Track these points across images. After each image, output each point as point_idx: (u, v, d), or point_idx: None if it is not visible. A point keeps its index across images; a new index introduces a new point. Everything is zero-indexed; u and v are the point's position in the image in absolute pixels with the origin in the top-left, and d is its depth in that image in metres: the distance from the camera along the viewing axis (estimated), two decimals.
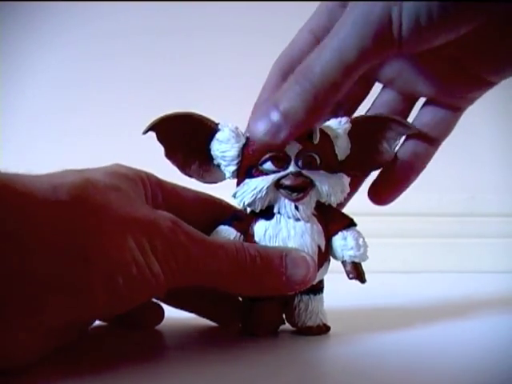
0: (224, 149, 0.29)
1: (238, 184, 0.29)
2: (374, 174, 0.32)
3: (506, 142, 0.62)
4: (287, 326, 0.31)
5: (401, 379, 0.24)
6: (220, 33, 0.63)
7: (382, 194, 0.31)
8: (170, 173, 0.30)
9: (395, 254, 0.59)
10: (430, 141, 0.30)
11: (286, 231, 0.28)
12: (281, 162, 0.28)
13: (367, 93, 0.32)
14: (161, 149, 0.30)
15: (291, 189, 0.28)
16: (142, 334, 0.31)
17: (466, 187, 0.62)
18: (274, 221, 0.29)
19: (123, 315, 0.30)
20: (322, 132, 0.29)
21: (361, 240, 0.29)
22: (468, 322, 0.34)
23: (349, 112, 0.32)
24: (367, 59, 0.24)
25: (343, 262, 0.29)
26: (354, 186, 0.32)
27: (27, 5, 0.62)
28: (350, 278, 0.29)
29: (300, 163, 0.28)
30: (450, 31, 0.24)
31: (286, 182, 0.28)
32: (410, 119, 0.32)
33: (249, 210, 0.29)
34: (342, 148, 0.30)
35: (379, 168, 0.31)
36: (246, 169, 0.29)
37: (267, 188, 0.28)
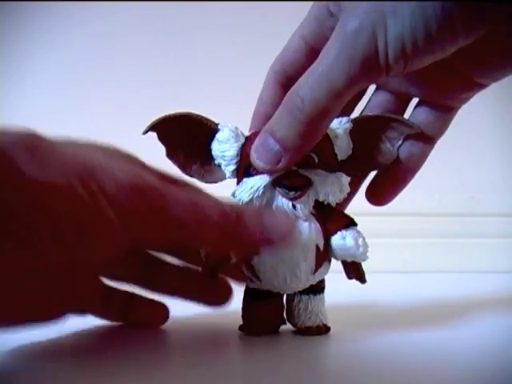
0: (224, 149, 0.29)
1: (238, 183, 0.29)
2: (372, 175, 0.32)
3: (506, 142, 0.62)
4: (288, 326, 0.31)
5: (401, 379, 0.24)
6: (220, 33, 0.63)
7: (379, 195, 0.32)
8: (170, 173, 0.30)
9: (395, 254, 0.59)
10: (425, 140, 0.30)
11: None
12: None
13: (363, 94, 0.32)
14: (162, 149, 0.30)
15: (288, 187, 0.28)
16: (143, 334, 0.31)
17: (466, 187, 0.62)
18: None
19: (128, 313, 0.30)
20: None
21: (360, 240, 0.29)
22: (468, 321, 0.34)
23: (345, 113, 0.32)
24: (355, 86, 0.24)
25: (343, 262, 0.29)
26: (355, 187, 0.32)
27: (27, 5, 0.62)
28: (350, 278, 0.29)
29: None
30: (435, 54, 0.24)
31: (283, 180, 0.28)
32: None
33: None
34: (342, 148, 0.30)
35: (381, 168, 0.31)
36: (245, 168, 0.29)
37: (264, 186, 0.28)
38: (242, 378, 0.25)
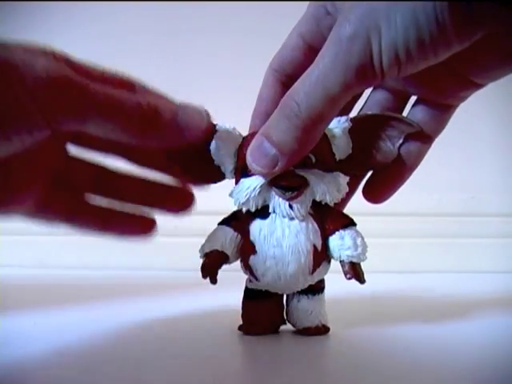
0: (221, 149, 0.30)
1: (236, 183, 0.29)
2: (369, 173, 0.32)
3: (506, 142, 0.62)
4: (288, 326, 0.31)
5: (401, 379, 0.24)
6: (220, 33, 0.63)
7: (376, 193, 0.32)
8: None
9: (395, 254, 0.59)
10: (423, 138, 0.30)
11: (281, 230, 0.28)
12: None
13: (360, 94, 0.32)
14: None
15: (284, 188, 0.28)
16: (143, 334, 0.31)
17: (466, 187, 0.62)
18: (269, 220, 0.29)
19: (107, 221, 0.31)
20: None
21: (359, 240, 0.29)
22: (467, 321, 0.34)
23: (343, 113, 0.32)
24: (351, 91, 0.25)
25: (341, 262, 0.29)
26: (353, 186, 0.32)
27: (27, 5, 0.62)
28: (348, 279, 0.29)
29: None
30: (428, 60, 0.24)
31: (280, 181, 0.28)
32: None
33: (244, 209, 0.29)
34: (341, 147, 0.30)
35: (382, 167, 0.31)
36: (242, 168, 0.29)
37: (260, 187, 0.28)
38: (242, 377, 0.25)
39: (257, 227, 0.29)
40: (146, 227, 0.32)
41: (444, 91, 0.29)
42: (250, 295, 0.31)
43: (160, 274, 0.56)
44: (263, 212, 0.29)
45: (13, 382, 0.23)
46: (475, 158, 0.62)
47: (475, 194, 0.62)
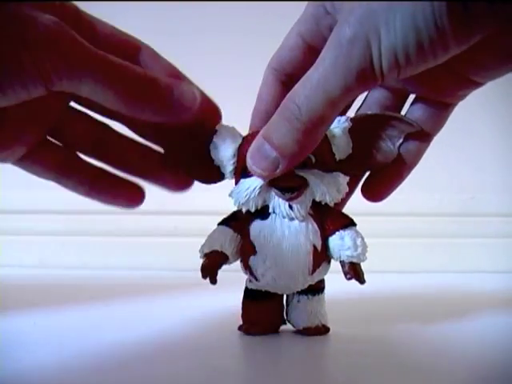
0: (221, 149, 0.30)
1: (236, 184, 0.29)
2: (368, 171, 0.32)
3: (506, 143, 0.62)
4: (288, 326, 0.31)
5: (401, 379, 0.24)
6: (220, 33, 0.63)
7: (374, 191, 0.32)
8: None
9: (395, 254, 0.59)
10: (422, 137, 0.30)
11: (281, 231, 0.28)
12: None
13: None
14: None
15: (284, 188, 0.28)
16: (143, 334, 0.31)
17: (466, 187, 0.62)
18: (269, 220, 0.29)
19: (95, 185, 0.30)
20: None
21: (359, 240, 0.29)
22: (468, 321, 0.34)
23: (342, 111, 0.32)
24: (351, 94, 0.25)
25: (341, 262, 0.29)
26: (352, 185, 0.32)
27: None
28: (348, 279, 0.28)
29: None
30: (428, 63, 0.24)
31: (279, 181, 0.28)
32: None
33: (244, 209, 0.29)
34: (341, 147, 0.30)
35: (382, 167, 0.31)
36: (242, 168, 0.29)
37: (260, 187, 0.28)
38: (242, 378, 0.25)
39: (257, 228, 0.29)
40: (133, 197, 0.31)
41: (443, 90, 0.29)
42: (250, 295, 0.31)
43: (160, 273, 0.56)
44: (263, 212, 0.29)
45: (13, 383, 0.23)
46: (475, 158, 0.62)
47: (475, 194, 0.62)
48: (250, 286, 0.31)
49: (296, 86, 0.26)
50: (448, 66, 0.26)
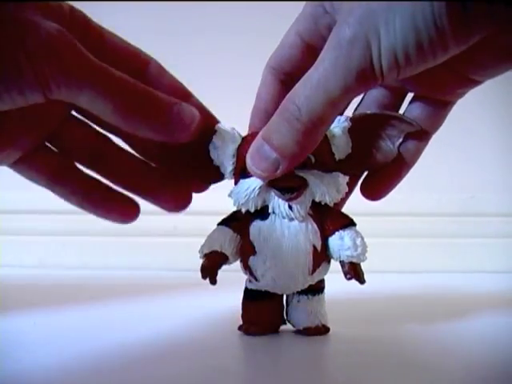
0: (220, 149, 0.30)
1: (235, 184, 0.29)
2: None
3: (506, 142, 0.62)
4: (288, 326, 0.31)
5: (400, 379, 0.24)
6: (220, 33, 0.63)
7: (373, 190, 0.32)
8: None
9: (395, 254, 0.59)
10: (420, 135, 0.30)
11: (280, 231, 0.28)
12: None
13: None
14: None
15: (284, 189, 0.28)
16: (143, 334, 0.31)
17: (466, 187, 0.62)
18: (268, 221, 0.29)
19: (90, 196, 0.30)
20: None
21: (359, 240, 0.29)
22: (468, 322, 0.34)
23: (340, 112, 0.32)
24: (351, 94, 0.25)
25: (341, 263, 0.29)
26: (351, 185, 0.32)
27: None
28: (348, 279, 0.28)
29: None
30: (427, 63, 0.24)
31: (279, 182, 0.28)
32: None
33: (244, 210, 0.29)
34: (341, 147, 0.30)
35: (381, 167, 0.31)
36: (241, 169, 0.29)
37: (259, 188, 0.28)
38: (242, 378, 0.25)
39: (256, 228, 0.29)
40: (128, 212, 0.31)
41: (441, 88, 0.29)
42: (250, 296, 0.31)
43: (160, 273, 0.56)
44: (263, 212, 0.29)
45: (13, 383, 0.23)
46: (475, 158, 0.62)
47: (475, 193, 0.62)
48: (250, 286, 0.31)
49: (296, 87, 0.26)
50: (447, 64, 0.26)
